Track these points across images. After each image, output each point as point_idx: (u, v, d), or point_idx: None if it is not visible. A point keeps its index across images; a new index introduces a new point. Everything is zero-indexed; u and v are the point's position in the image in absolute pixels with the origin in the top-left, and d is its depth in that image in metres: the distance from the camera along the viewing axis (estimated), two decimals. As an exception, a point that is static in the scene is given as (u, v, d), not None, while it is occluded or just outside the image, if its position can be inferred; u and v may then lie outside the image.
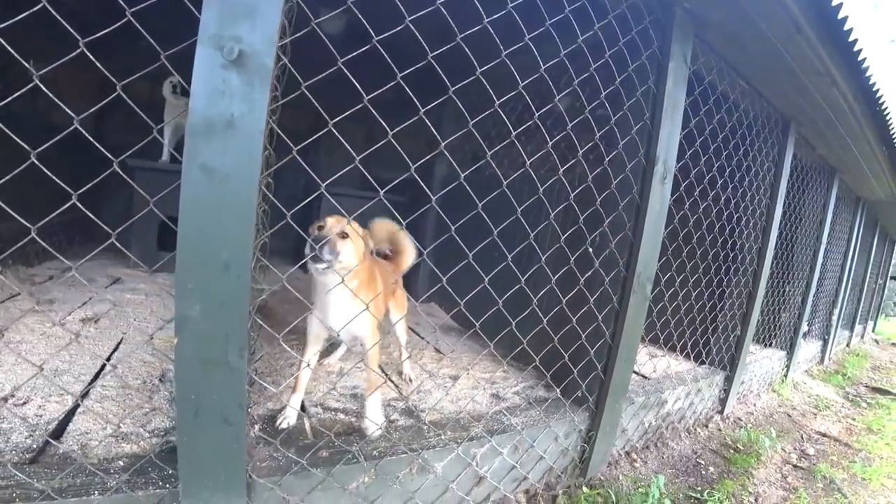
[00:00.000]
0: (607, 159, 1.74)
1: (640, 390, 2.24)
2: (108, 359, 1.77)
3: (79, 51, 0.83)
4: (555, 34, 1.39)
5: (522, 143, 1.51)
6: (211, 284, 0.96)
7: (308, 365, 1.55)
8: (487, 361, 2.37)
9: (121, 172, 0.91)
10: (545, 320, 1.70)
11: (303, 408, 1.64)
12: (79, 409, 1.42)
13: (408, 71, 1.13)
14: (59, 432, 1.33)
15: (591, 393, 1.90)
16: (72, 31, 0.84)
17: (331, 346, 2.08)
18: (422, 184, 1.30)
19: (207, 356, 0.99)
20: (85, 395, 1.52)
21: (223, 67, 0.91)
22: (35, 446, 1.24)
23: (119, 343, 1.89)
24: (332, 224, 1.38)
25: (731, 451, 2.45)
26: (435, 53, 1.16)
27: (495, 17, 1.23)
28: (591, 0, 1.48)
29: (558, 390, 1.93)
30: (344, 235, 1.38)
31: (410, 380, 1.99)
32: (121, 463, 1.19)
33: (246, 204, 0.97)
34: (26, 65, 0.85)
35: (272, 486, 1.18)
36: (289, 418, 1.50)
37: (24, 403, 1.44)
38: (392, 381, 1.97)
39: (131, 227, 2.84)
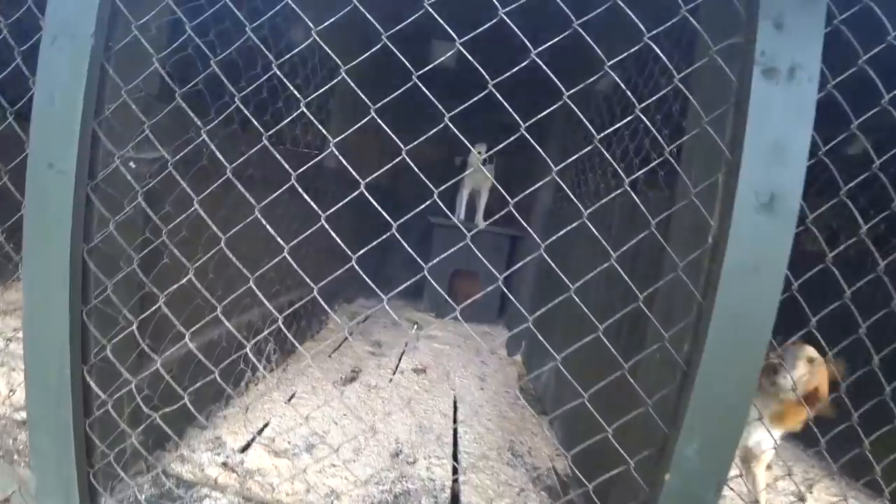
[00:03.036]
0: None
1: None
2: (455, 419, 1.96)
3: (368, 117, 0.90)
4: None
5: None
6: (711, 426, 0.94)
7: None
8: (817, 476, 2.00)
9: (401, 241, 1.05)
10: None
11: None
12: (460, 479, 1.58)
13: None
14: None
15: None
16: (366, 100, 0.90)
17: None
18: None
19: (691, 492, 0.97)
20: (455, 457, 1.70)
21: (756, 212, 0.89)
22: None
23: (455, 402, 2.09)
24: None
25: None
26: None
27: None
28: None
29: None
30: None
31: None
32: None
33: (758, 347, 0.93)
34: (327, 135, 0.97)
35: None
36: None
37: (414, 462, 1.65)
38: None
39: (425, 277, 3.24)
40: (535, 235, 1.19)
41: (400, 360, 2.44)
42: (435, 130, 0.97)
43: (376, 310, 2.98)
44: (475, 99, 1.00)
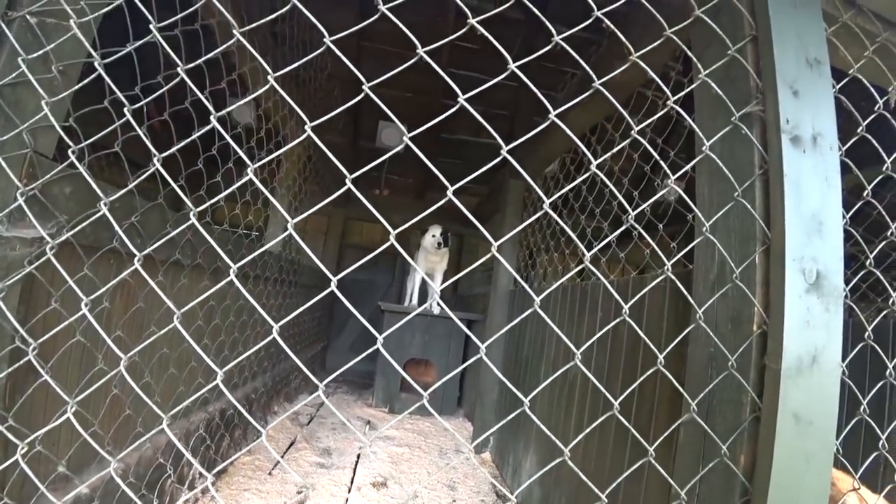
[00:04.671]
0: None
1: None
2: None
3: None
4: None
5: None
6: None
7: None
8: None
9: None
10: None
11: None
12: None
13: None
14: None
15: None
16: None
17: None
18: None
19: None
20: None
21: (806, 293, 0.78)
22: None
23: (425, 524, 1.74)
24: None
25: None
26: None
27: None
28: None
29: None
30: None
31: None
32: None
33: (826, 454, 0.77)
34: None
35: None
36: None
37: None
38: None
39: (376, 368, 2.91)
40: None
41: (355, 471, 2.05)
42: (440, 204, 0.78)
43: (316, 396, 2.59)
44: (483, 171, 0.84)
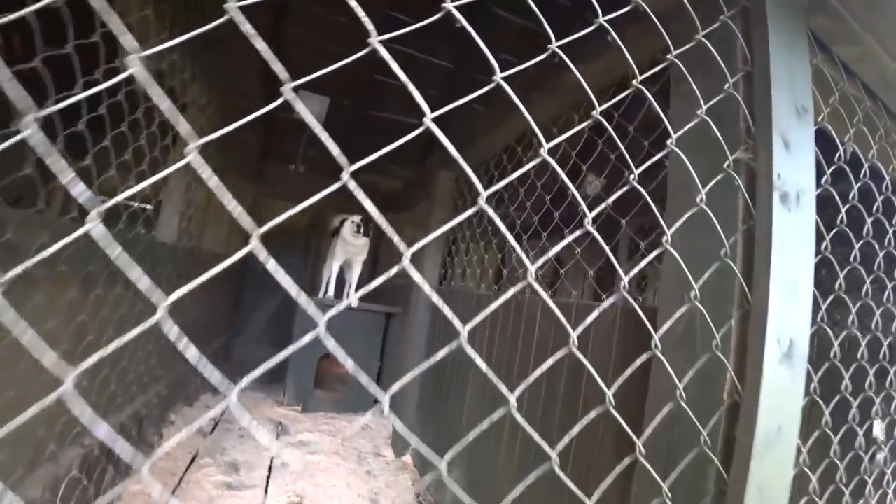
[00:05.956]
0: None
1: None
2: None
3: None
4: None
5: None
6: None
7: None
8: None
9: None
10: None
11: None
12: None
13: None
14: None
15: None
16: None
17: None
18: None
19: None
20: None
21: (780, 363, 0.73)
22: None
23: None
24: None
25: None
26: None
27: None
28: None
29: None
30: None
31: None
32: None
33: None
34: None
35: None
36: None
37: None
38: None
39: (287, 363, 2.65)
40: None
41: (266, 490, 1.84)
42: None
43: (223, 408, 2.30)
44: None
